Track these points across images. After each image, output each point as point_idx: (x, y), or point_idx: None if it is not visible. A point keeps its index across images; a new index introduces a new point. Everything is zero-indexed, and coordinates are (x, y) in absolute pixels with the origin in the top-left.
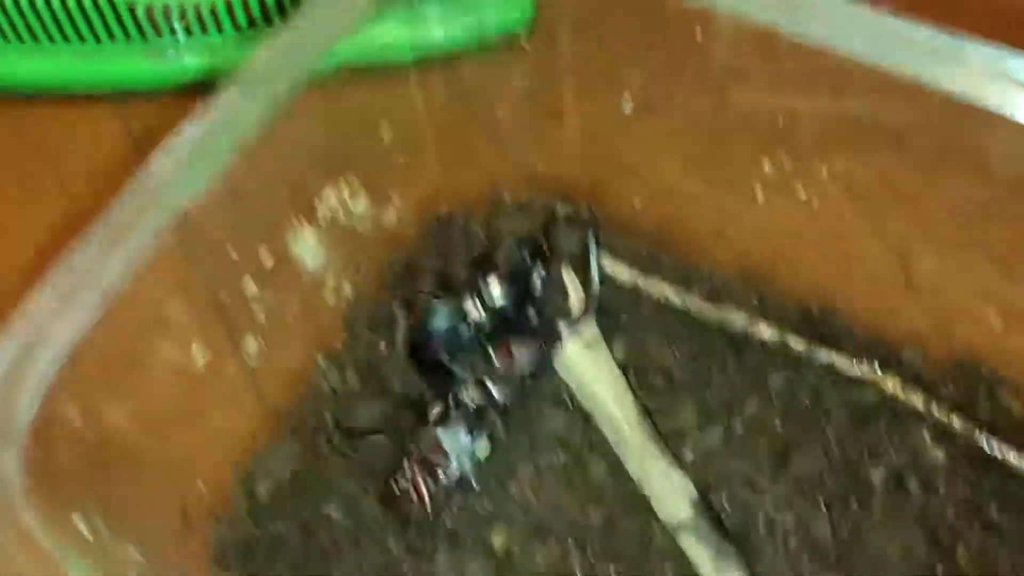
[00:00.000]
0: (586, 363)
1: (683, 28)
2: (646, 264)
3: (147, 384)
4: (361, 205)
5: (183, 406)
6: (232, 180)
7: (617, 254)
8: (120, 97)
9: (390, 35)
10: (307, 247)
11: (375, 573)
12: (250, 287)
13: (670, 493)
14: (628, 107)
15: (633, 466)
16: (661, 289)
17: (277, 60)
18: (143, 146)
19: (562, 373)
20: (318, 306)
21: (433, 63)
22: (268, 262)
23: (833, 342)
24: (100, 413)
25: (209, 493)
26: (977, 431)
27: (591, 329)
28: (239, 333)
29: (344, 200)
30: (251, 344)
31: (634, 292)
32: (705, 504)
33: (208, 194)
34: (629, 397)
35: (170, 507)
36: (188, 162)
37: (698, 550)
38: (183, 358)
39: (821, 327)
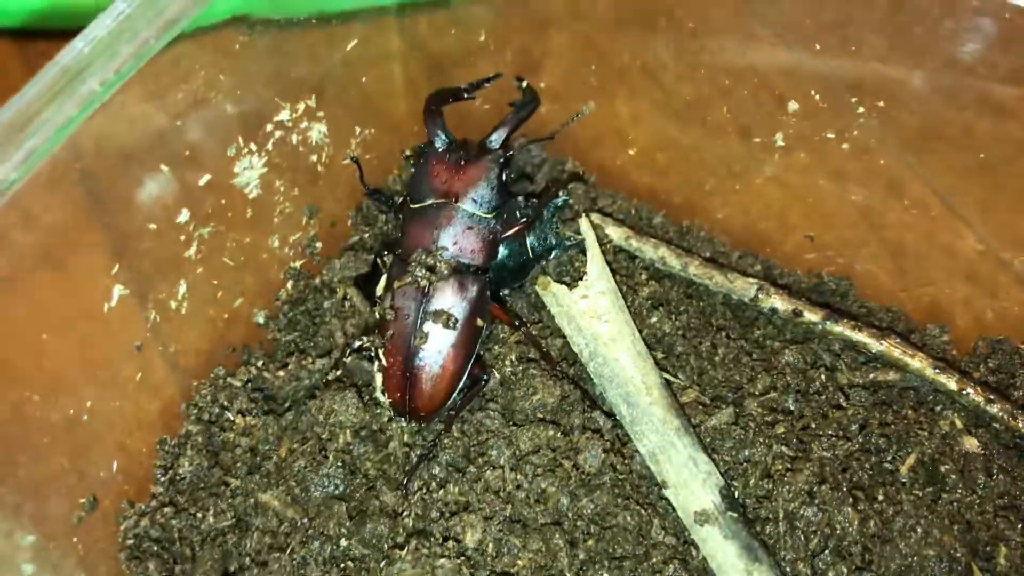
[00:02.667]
0: (599, 317)
1: None
2: (638, 223)
3: (53, 332)
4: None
5: (93, 359)
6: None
7: (604, 210)
8: None
9: None
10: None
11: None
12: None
13: (694, 478)
14: None
15: (650, 444)
16: (656, 251)
17: None
18: None
19: (567, 326)
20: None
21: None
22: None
23: (850, 315)
24: None
25: (123, 474)
26: (1015, 416)
27: (606, 281)
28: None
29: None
30: (180, 287)
31: (625, 253)
32: (732, 493)
33: None
34: (650, 362)
35: (77, 489)
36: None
37: (721, 546)
38: (95, 301)
39: (835, 299)
